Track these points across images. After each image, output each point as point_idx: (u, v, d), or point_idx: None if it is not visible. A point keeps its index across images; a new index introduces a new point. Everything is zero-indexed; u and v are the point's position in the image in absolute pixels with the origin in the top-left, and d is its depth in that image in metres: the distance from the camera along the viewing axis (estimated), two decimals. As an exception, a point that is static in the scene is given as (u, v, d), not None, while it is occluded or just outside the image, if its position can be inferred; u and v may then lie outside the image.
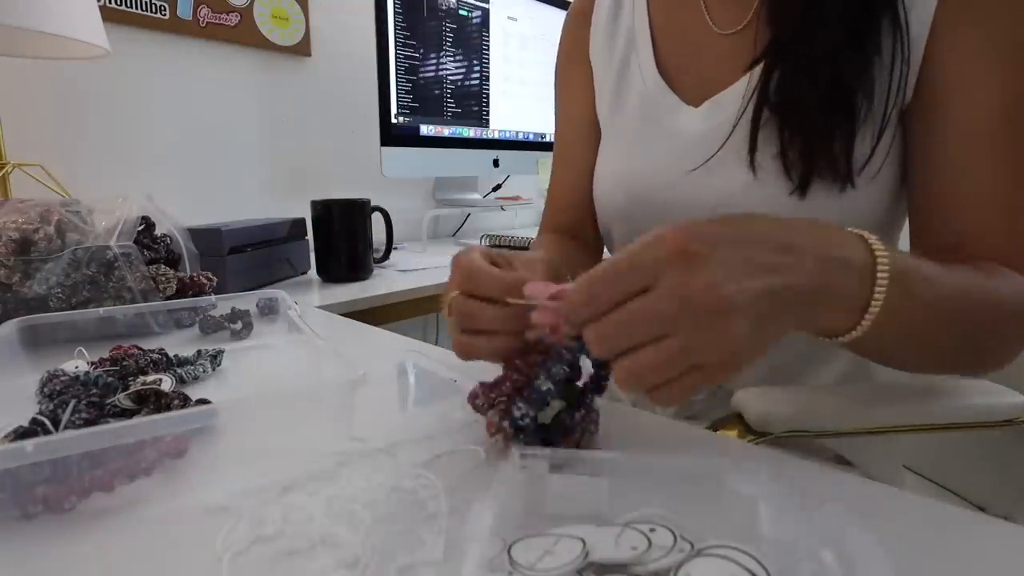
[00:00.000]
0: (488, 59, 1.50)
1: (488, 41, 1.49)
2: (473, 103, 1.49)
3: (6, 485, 0.29)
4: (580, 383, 0.37)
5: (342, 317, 0.75)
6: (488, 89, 1.52)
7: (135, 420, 0.32)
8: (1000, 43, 0.45)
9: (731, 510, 0.27)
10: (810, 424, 0.46)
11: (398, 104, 1.30)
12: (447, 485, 0.32)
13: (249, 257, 0.94)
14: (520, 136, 1.63)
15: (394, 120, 1.30)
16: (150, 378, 0.44)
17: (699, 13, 0.58)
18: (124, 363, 0.47)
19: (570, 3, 0.73)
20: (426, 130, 1.38)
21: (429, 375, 0.53)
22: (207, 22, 1.20)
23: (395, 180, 1.50)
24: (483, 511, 0.24)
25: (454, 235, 1.75)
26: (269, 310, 0.66)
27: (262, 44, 1.29)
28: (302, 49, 1.36)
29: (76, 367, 0.46)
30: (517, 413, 0.34)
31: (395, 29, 1.26)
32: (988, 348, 0.44)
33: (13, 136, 0.96)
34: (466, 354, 0.38)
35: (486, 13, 1.48)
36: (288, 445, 0.37)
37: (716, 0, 0.57)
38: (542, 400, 0.34)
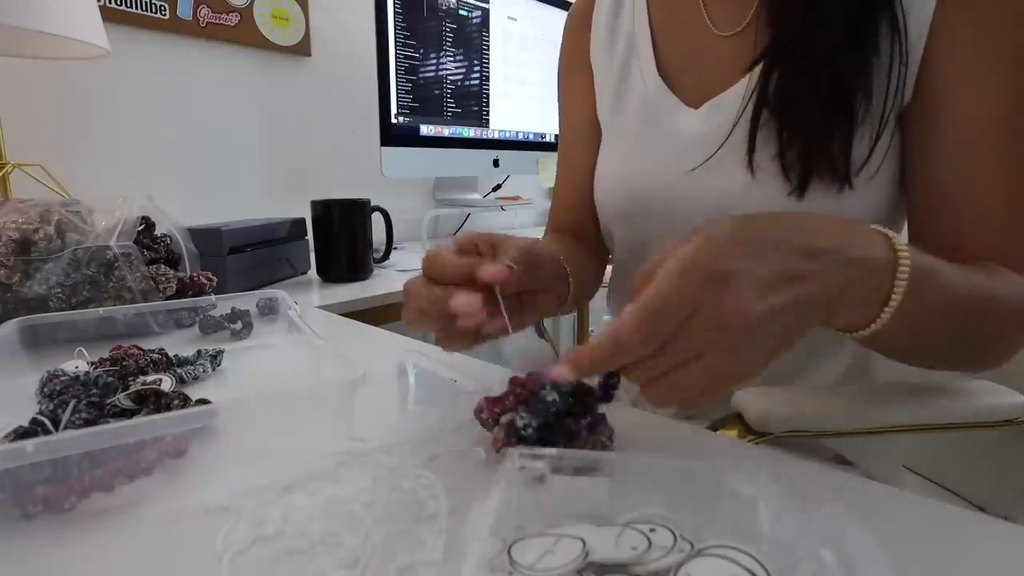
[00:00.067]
0: (488, 59, 1.50)
1: (488, 41, 1.49)
2: (473, 103, 1.49)
3: (6, 485, 0.29)
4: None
5: (342, 317, 0.75)
6: (488, 89, 1.52)
7: (135, 420, 0.32)
8: (998, 45, 0.45)
9: (731, 510, 0.27)
10: (810, 424, 0.46)
11: (398, 104, 1.30)
12: (447, 485, 0.32)
13: (249, 257, 0.94)
14: (520, 136, 1.63)
15: (394, 120, 1.30)
16: (150, 378, 0.44)
17: (699, 14, 0.58)
18: (124, 363, 0.47)
19: (571, 3, 0.73)
20: (426, 130, 1.38)
21: (429, 375, 0.53)
22: (207, 22, 1.20)
23: (395, 180, 1.50)
24: (483, 511, 0.24)
25: (454, 235, 1.75)
26: (269, 310, 0.66)
27: (262, 44, 1.30)
28: (302, 49, 1.36)
29: (76, 367, 0.46)
30: (520, 423, 0.33)
31: (395, 29, 1.26)
32: (988, 347, 0.45)
33: (13, 136, 0.96)
34: (412, 326, 0.42)
35: (486, 13, 1.48)
36: (288, 445, 0.37)
37: (715, 1, 0.57)
38: (547, 410, 0.34)
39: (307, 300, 0.89)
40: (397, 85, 1.29)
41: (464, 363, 0.54)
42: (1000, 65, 0.45)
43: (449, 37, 1.39)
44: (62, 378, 0.42)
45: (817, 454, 0.56)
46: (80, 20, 0.82)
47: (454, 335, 0.41)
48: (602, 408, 0.37)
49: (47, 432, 0.33)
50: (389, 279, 1.08)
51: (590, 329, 1.89)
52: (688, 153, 0.55)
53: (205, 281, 0.68)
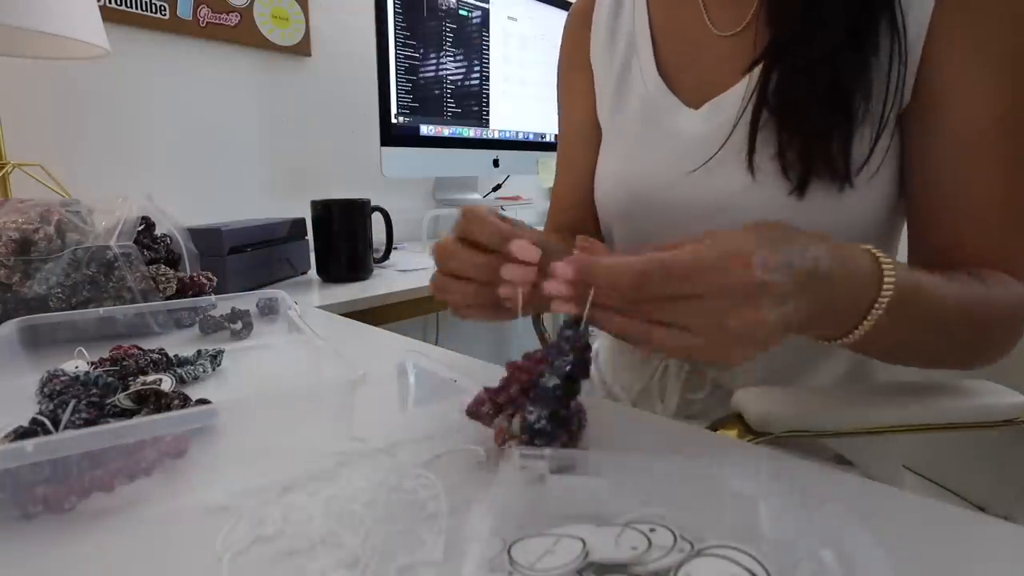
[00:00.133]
0: (488, 59, 1.50)
1: (488, 41, 1.49)
2: (473, 103, 1.49)
3: (6, 485, 0.29)
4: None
5: (342, 317, 0.75)
6: (488, 89, 1.52)
7: (135, 420, 0.32)
8: (996, 46, 0.45)
9: (731, 510, 0.27)
10: (810, 424, 0.46)
11: (398, 104, 1.30)
12: (447, 485, 0.32)
13: (249, 257, 0.94)
14: (520, 136, 1.63)
15: (394, 120, 1.30)
16: (150, 378, 0.44)
17: (698, 14, 0.58)
18: (124, 363, 0.47)
19: (571, 3, 0.73)
20: (426, 130, 1.38)
21: (429, 375, 0.53)
22: (207, 22, 1.20)
23: (395, 180, 1.50)
24: (483, 511, 0.24)
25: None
26: (269, 310, 0.66)
27: (262, 44, 1.30)
28: (302, 49, 1.36)
29: (76, 367, 0.46)
30: (531, 417, 0.32)
31: (395, 29, 1.26)
32: (976, 352, 0.46)
33: (13, 136, 0.96)
34: (438, 292, 0.41)
35: (486, 13, 1.48)
36: (288, 445, 0.37)
37: (715, 1, 0.57)
38: (551, 398, 0.33)
39: (307, 300, 0.89)
40: (397, 85, 1.29)
41: (464, 363, 0.54)
42: (998, 65, 0.45)
43: (449, 37, 1.39)
44: (62, 378, 0.42)
45: (817, 454, 0.56)
46: (80, 20, 0.82)
47: (479, 304, 0.40)
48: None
49: (47, 432, 0.33)
50: (389, 279, 1.08)
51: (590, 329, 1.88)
52: (688, 153, 0.55)
53: (205, 281, 0.68)
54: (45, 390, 0.42)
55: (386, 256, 1.19)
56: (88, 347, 0.51)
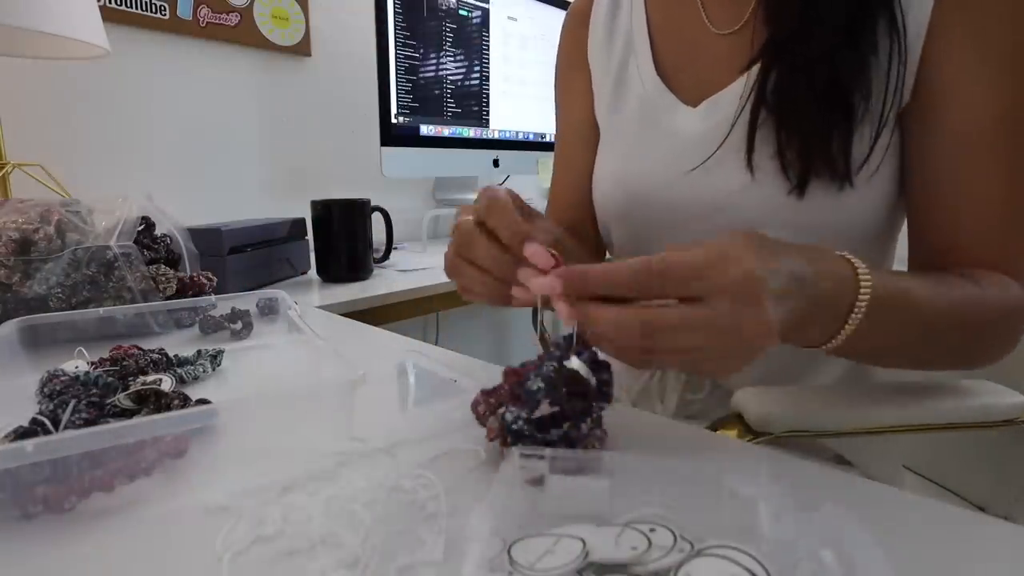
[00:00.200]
0: (488, 59, 1.50)
1: (488, 41, 1.49)
2: (473, 103, 1.49)
3: (6, 485, 0.29)
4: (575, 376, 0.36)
5: (342, 317, 0.75)
6: (488, 89, 1.52)
7: (135, 420, 0.32)
8: (996, 45, 0.45)
9: (731, 510, 0.27)
10: (810, 424, 0.46)
11: (398, 104, 1.30)
12: (447, 485, 0.32)
13: (249, 257, 0.94)
14: (520, 136, 1.63)
15: (394, 120, 1.30)
16: (150, 378, 0.44)
17: (696, 13, 0.58)
18: (124, 363, 0.47)
19: (570, 3, 0.73)
20: (426, 130, 1.38)
21: (429, 375, 0.53)
22: (207, 22, 1.20)
23: (395, 180, 1.50)
24: (483, 511, 0.24)
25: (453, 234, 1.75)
26: (269, 310, 0.66)
27: (262, 44, 1.30)
28: (302, 49, 1.36)
29: (76, 367, 0.46)
30: (509, 417, 0.33)
31: (395, 29, 1.26)
32: (969, 354, 0.47)
33: (13, 136, 0.96)
34: (452, 274, 0.41)
35: (486, 13, 1.48)
36: (288, 445, 0.37)
37: (713, 0, 0.57)
38: (532, 400, 0.33)
39: (307, 300, 0.89)
40: (397, 85, 1.29)
41: (464, 363, 0.54)
42: (998, 65, 0.45)
43: (449, 37, 1.39)
44: (62, 378, 0.42)
45: (817, 454, 0.56)
46: (80, 20, 0.82)
47: (486, 292, 0.40)
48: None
49: (47, 432, 0.33)
50: (389, 279, 1.08)
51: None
52: (687, 152, 0.55)
53: (205, 281, 0.68)
54: (45, 390, 0.42)
55: (386, 256, 1.19)
56: (88, 347, 0.51)
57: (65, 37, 0.80)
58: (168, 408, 0.39)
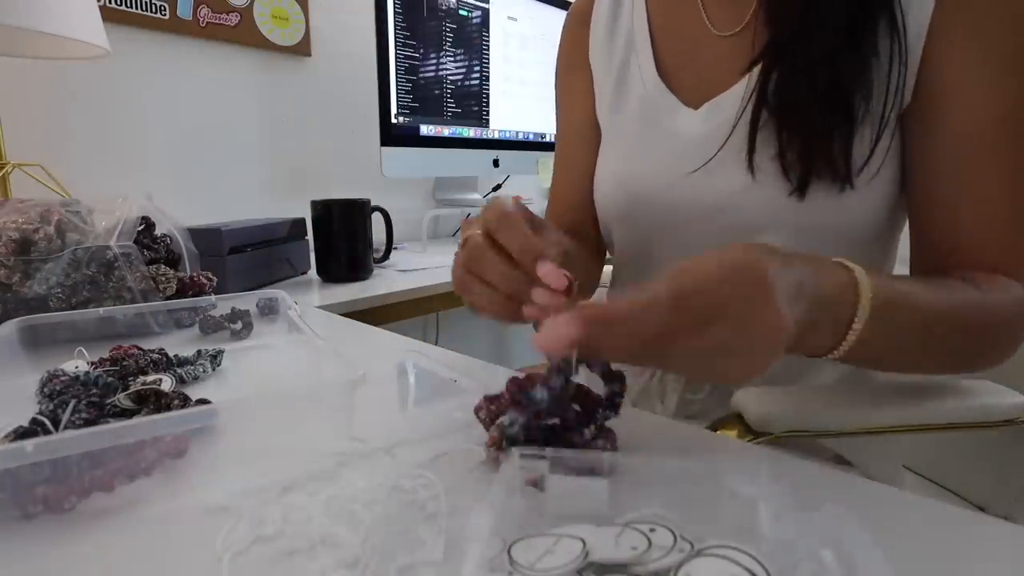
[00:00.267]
0: (488, 59, 1.50)
1: (488, 41, 1.49)
2: (473, 103, 1.49)
3: (6, 485, 0.29)
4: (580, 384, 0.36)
5: (342, 317, 0.75)
6: (488, 89, 1.52)
7: (135, 420, 0.32)
8: (996, 46, 0.45)
9: (731, 510, 0.27)
10: (810, 424, 0.46)
11: (398, 104, 1.30)
12: (447, 485, 0.32)
13: (249, 257, 0.94)
14: (520, 136, 1.63)
15: (394, 120, 1.30)
16: (150, 378, 0.44)
17: (697, 14, 0.58)
18: (124, 363, 0.47)
19: (570, 3, 0.73)
20: (426, 130, 1.38)
21: (429, 375, 0.53)
22: (207, 22, 1.20)
23: (395, 180, 1.50)
24: (483, 511, 0.24)
25: (454, 235, 1.75)
26: (269, 310, 0.66)
27: (262, 44, 1.30)
28: (302, 49, 1.36)
29: (76, 367, 0.46)
30: (506, 420, 0.33)
31: (395, 29, 1.26)
32: (971, 357, 0.46)
33: (13, 136, 0.96)
34: (461, 290, 0.40)
35: (486, 13, 1.48)
36: (288, 445, 0.37)
37: (714, 1, 0.57)
38: (533, 407, 0.33)
39: (307, 300, 0.89)
40: (397, 85, 1.29)
41: (464, 363, 0.54)
42: (999, 65, 0.45)
43: (449, 37, 1.39)
44: (62, 378, 0.42)
45: (817, 454, 0.56)
46: (80, 20, 0.82)
47: (496, 309, 0.39)
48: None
49: (47, 432, 0.33)
50: (389, 279, 1.08)
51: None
52: (688, 154, 0.55)
53: (205, 281, 0.68)
54: (45, 390, 0.42)
55: (386, 256, 1.19)
56: (88, 347, 0.51)
57: (65, 37, 0.80)
58: (168, 408, 0.39)
